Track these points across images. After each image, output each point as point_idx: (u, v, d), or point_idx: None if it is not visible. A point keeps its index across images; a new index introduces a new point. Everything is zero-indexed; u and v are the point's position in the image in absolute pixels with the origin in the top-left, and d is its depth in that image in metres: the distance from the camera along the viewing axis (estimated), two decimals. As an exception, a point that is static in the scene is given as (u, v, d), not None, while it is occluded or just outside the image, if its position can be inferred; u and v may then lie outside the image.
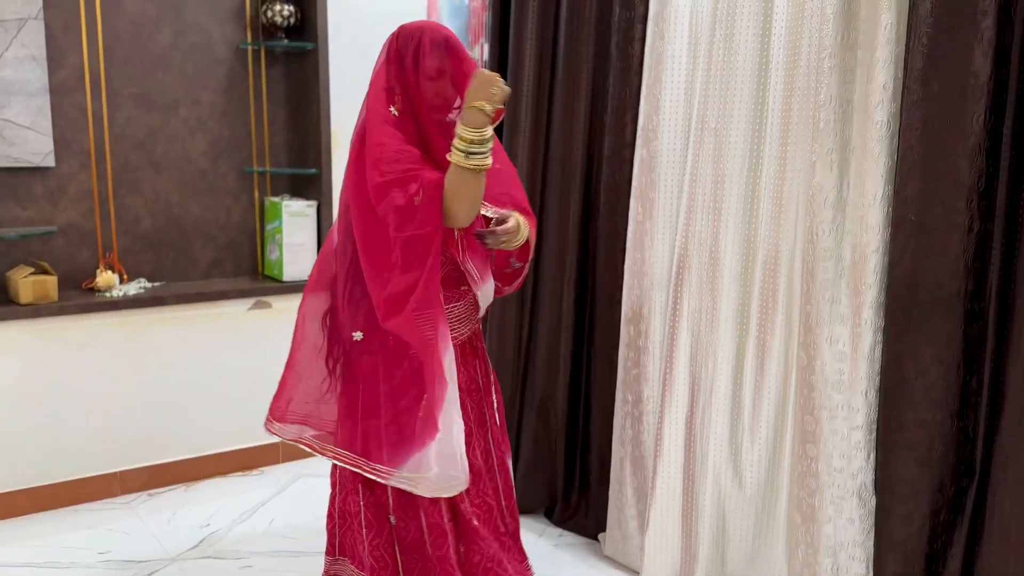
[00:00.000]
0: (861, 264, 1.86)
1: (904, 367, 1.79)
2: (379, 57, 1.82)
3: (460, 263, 1.83)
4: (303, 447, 1.98)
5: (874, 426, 1.88)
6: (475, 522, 1.94)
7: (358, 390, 1.88)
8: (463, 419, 1.91)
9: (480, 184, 1.71)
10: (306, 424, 1.98)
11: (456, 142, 1.67)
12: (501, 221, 1.83)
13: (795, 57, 1.98)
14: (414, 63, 1.78)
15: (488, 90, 1.66)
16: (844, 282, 1.90)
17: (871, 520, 1.90)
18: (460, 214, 1.72)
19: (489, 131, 1.68)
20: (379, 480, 1.86)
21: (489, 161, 1.69)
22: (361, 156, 1.78)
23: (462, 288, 1.90)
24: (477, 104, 1.65)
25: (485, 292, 1.92)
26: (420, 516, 1.89)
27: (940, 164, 1.71)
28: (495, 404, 2.05)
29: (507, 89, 1.69)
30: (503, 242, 1.82)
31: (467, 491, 1.93)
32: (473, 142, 1.66)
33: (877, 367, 1.87)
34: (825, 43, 1.88)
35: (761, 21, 2.06)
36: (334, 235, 1.95)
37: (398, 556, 1.97)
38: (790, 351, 2.07)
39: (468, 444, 1.93)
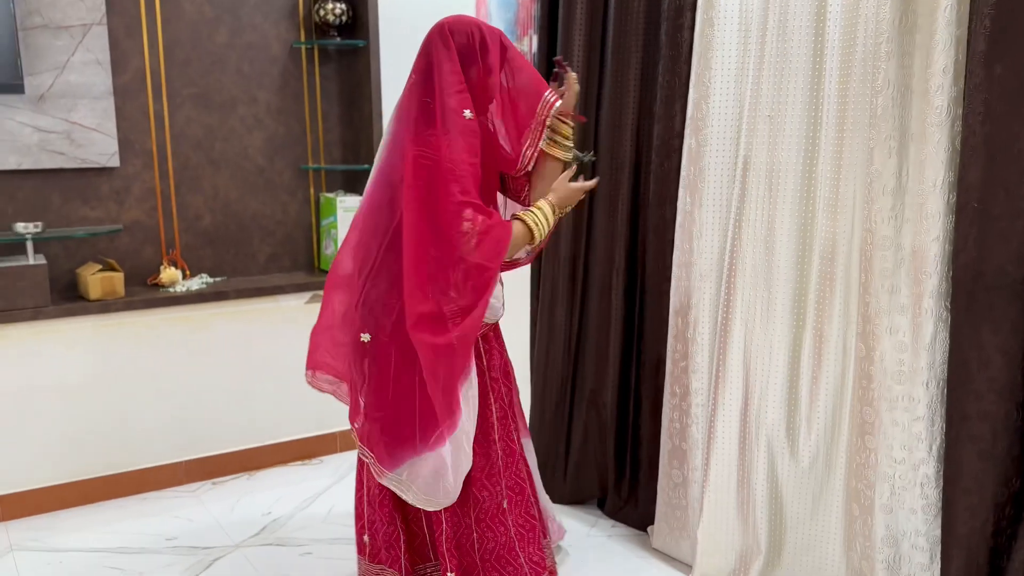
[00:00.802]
0: (921, 252, 1.82)
1: (967, 358, 1.75)
2: (437, 51, 1.80)
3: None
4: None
5: (936, 417, 1.84)
6: (505, 504, 1.98)
7: (367, 386, 1.93)
8: (499, 403, 1.99)
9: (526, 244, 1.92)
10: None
11: (539, 213, 1.90)
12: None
13: (851, 41, 1.94)
14: (481, 58, 1.80)
15: (573, 202, 1.98)
16: (904, 271, 1.86)
17: (934, 510, 1.86)
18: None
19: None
20: (375, 476, 1.93)
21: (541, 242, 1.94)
22: (425, 152, 1.76)
23: None
24: (563, 209, 1.95)
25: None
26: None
27: (1003, 149, 1.66)
28: (514, 389, 2.13)
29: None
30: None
31: (503, 471, 1.99)
32: (549, 223, 1.92)
33: (938, 357, 1.83)
34: (882, 27, 1.84)
35: (815, 5, 2.02)
36: (353, 233, 1.96)
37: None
38: (848, 342, 2.04)
39: (503, 426, 2.03)
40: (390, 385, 1.88)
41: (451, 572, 1.99)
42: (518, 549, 2.03)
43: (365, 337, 1.89)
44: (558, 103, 1.90)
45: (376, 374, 1.90)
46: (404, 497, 1.91)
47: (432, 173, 1.76)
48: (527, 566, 2.05)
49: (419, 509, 2.01)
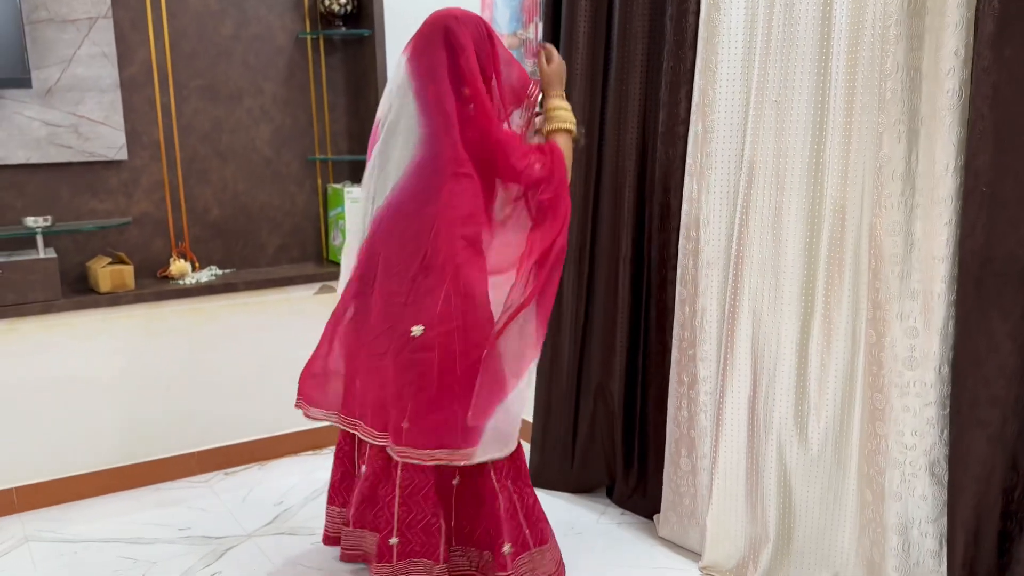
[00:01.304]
0: (932, 237, 1.80)
1: (976, 343, 1.74)
2: (458, 41, 1.91)
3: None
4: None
5: (947, 402, 1.83)
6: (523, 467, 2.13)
7: (416, 385, 1.94)
8: None
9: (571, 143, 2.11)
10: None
11: (558, 112, 2.06)
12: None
13: (859, 25, 1.92)
14: (491, 49, 1.95)
15: (563, 74, 2.11)
16: (914, 256, 1.85)
17: (944, 497, 1.86)
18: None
19: None
20: (463, 464, 1.97)
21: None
22: (470, 136, 1.91)
23: None
24: (562, 87, 2.10)
25: None
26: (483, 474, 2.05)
27: (1013, 133, 1.64)
28: None
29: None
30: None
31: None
32: (567, 110, 2.09)
33: (951, 342, 1.81)
34: (891, 9, 1.82)
35: (823, -11, 2.00)
36: (381, 227, 2.03)
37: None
38: (858, 328, 2.03)
39: None
40: (458, 362, 1.92)
41: (508, 544, 2.02)
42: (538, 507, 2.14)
43: (417, 330, 1.92)
44: (540, 93, 2.12)
45: (440, 358, 1.92)
46: (488, 458, 1.98)
47: (485, 154, 1.93)
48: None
49: (464, 494, 2.07)
